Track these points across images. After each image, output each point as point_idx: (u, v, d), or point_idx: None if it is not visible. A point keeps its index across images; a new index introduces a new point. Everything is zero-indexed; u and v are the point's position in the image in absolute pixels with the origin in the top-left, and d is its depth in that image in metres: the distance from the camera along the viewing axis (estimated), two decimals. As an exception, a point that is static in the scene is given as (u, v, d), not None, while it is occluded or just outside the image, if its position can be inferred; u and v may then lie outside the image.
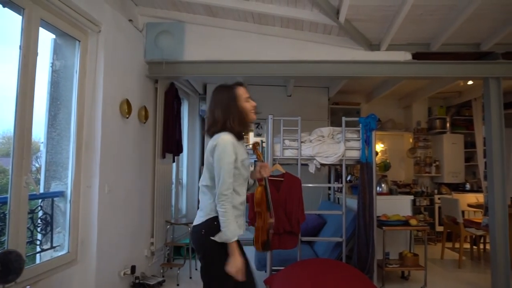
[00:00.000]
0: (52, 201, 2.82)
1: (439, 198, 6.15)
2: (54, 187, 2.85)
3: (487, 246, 5.14)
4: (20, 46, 2.30)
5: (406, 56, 3.80)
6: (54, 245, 2.79)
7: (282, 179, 3.50)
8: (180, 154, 4.81)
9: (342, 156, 3.72)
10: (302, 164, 3.78)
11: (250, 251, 2.24)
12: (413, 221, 3.99)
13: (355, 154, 3.76)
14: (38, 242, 2.67)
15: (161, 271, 4.12)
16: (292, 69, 3.87)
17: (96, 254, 2.96)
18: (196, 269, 4.29)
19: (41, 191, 2.72)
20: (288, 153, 3.77)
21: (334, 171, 5.15)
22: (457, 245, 5.16)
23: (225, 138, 1.88)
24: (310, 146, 3.75)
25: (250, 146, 2.31)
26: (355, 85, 6.18)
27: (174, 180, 4.93)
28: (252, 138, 6.10)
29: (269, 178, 2.51)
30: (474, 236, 5.10)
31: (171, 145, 4.29)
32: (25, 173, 2.32)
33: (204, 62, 3.87)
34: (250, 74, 3.96)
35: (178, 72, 3.97)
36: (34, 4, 2.39)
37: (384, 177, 5.22)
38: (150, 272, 3.93)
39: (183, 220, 4.65)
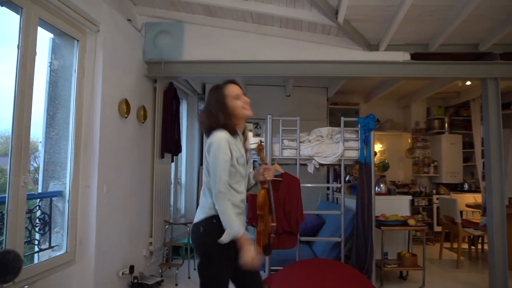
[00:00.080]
0: (51, 200, 2.81)
1: (437, 198, 6.16)
2: (53, 187, 2.84)
3: (485, 246, 5.16)
4: (18, 46, 2.30)
5: (404, 56, 3.81)
6: (52, 245, 2.78)
7: (281, 179, 3.50)
8: (179, 154, 4.81)
9: (341, 156, 3.73)
10: (301, 164, 3.79)
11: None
12: (411, 221, 3.99)
13: (353, 154, 3.77)
14: (36, 242, 2.66)
15: (160, 271, 4.11)
16: (291, 69, 3.87)
17: (95, 254, 2.95)
18: (194, 269, 4.28)
19: (39, 190, 2.71)
20: (287, 153, 3.78)
21: (332, 171, 5.15)
22: (455, 245, 5.18)
23: (219, 136, 1.88)
24: (309, 146, 3.75)
25: (255, 146, 2.29)
26: (353, 85, 6.19)
27: (172, 180, 4.92)
28: (252, 138, 6.09)
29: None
30: (472, 236, 5.10)
31: (169, 145, 4.28)
32: (23, 172, 2.32)
33: (203, 62, 3.87)
34: (249, 74, 3.97)
35: (176, 72, 3.96)
36: (33, 3, 2.39)
37: (382, 177, 5.24)
38: (148, 272, 3.92)
39: (181, 220, 4.65)
